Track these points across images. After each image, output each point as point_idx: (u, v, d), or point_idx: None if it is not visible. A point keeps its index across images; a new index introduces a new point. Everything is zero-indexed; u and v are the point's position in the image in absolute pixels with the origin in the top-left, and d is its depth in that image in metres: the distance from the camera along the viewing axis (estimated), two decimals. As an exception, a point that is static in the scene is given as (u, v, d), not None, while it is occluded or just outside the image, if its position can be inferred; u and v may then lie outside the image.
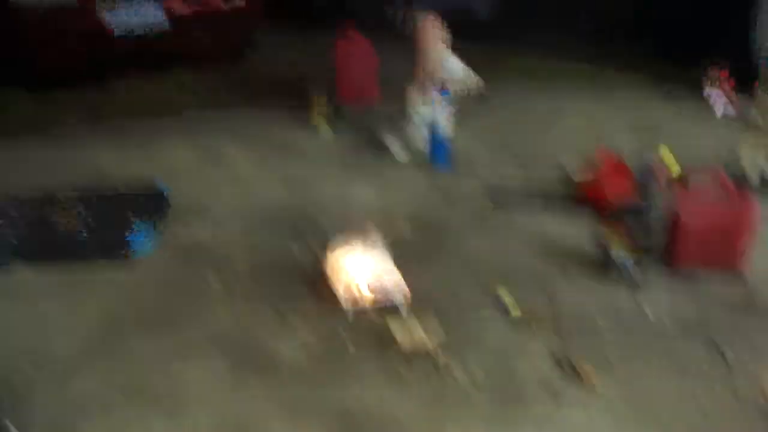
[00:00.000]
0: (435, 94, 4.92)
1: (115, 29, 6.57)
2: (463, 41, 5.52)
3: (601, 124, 5.79)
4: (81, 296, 3.54)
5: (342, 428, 2.70)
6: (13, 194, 4.46)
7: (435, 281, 3.63)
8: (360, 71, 6.16)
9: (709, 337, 3.20)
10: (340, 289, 3.43)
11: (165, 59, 6.83)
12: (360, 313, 3.36)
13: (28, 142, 5.45)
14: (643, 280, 3.60)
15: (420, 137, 5.15)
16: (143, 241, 3.96)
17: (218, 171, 5.01)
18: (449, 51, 5.39)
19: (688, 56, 6.47)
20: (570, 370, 2.99)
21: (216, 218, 4.32)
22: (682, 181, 4.44)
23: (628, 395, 2.87)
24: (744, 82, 6.06)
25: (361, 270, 3.49)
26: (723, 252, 3.64)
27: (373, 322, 3.32)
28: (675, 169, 4.57)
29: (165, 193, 4.50)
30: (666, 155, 4.61)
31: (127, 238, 3.95)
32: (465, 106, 5.43)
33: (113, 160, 5.10)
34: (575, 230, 4.08)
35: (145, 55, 6.72)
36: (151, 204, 4.33)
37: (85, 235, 4.04)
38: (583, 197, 4.35)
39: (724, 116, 6.06)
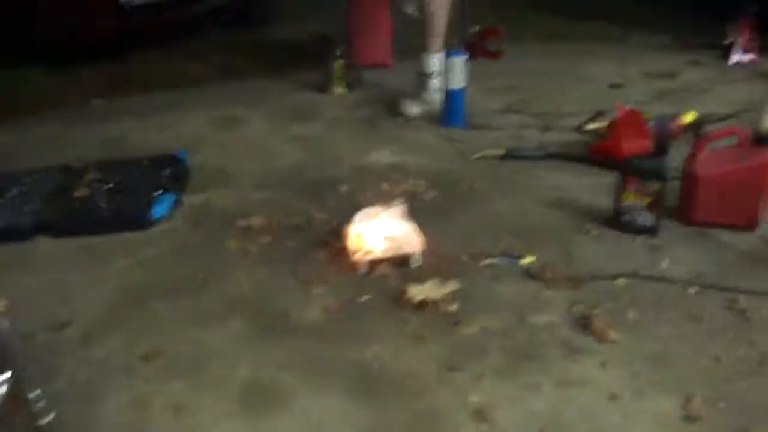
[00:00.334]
0: (451, 54, 4.89)
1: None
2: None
3: (621, 81, 5.73)
4: (101, 265, 3.60)
5: (359, 383, 2.75)
6: (33, 168, 4.51)
7: (450, 237, 3.65)
8: (375, 33, 6.14)
9: (726, 288, 3.19)
10: (354, 242, 3.46)
11: (181, 29, 6.86)
12: (375, 264, 3.40)
13: (48, 118, 5.52)
14: (658, 227, 3.58)
15: (436, 97, 5.15)
16: (164, 209, 4.00)
17: (237, 137, 5.07)
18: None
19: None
20: (586, 324, 3.00)
21: (235, 184, 4.37)
22: (698, 131, 4.41)
23: (644, 348, 2.87)
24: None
25: (376, 223, 3.53)
26: (740, 206, 3.57)
27: (389, 277, 3.35)
28: (690, 118, 4.54)
29: (185, 162, 4.55)
30: (686, 114, 4.58)
31: (148, 207, 3.99)
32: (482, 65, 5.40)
33: (134, 131, 5.16)
34: (593, 186, 4.06)
35: (162, 25, 6.75)
36: (172, 172, 4.37)
37: (104, 204, 4.08)
38: (601, 153, 4.32)
39: (737, 64, 5.98)
